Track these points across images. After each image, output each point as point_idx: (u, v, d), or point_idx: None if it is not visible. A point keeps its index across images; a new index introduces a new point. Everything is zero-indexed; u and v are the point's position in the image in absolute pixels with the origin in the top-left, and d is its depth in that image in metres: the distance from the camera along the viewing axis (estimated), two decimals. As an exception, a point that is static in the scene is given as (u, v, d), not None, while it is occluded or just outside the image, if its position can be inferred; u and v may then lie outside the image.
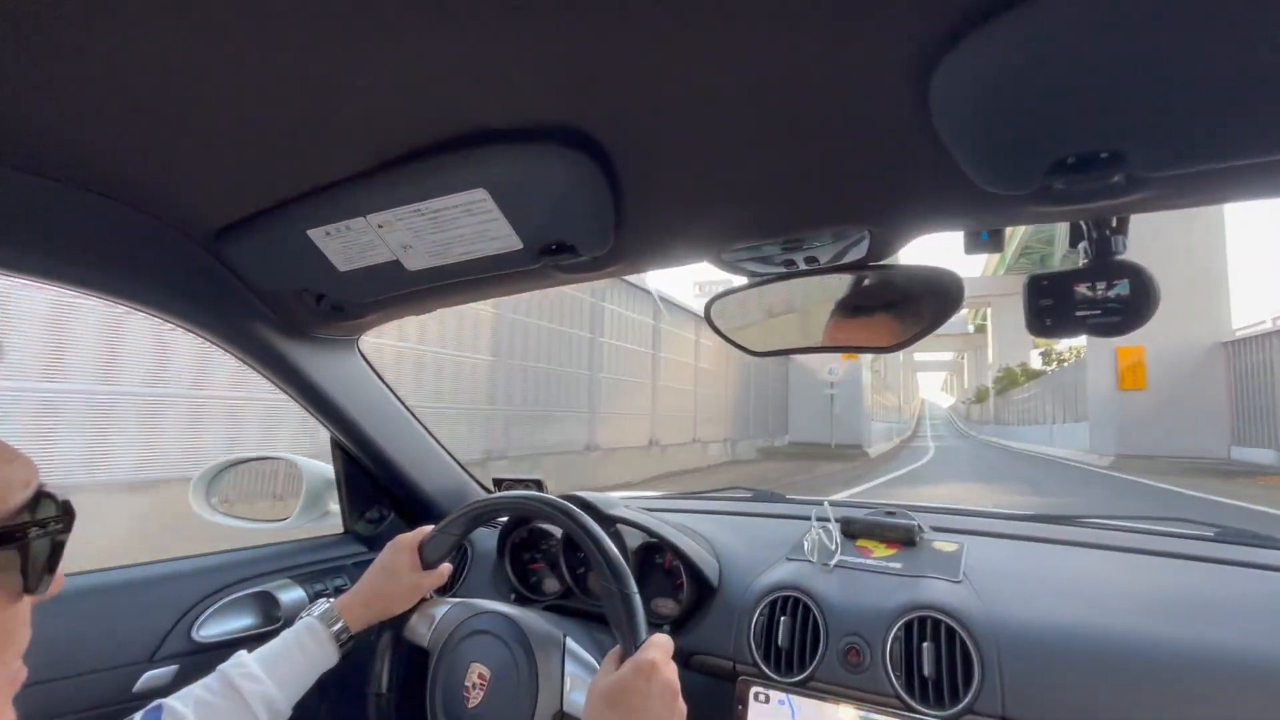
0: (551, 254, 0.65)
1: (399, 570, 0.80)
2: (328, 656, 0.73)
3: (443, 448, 1.19)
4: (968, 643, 0.72)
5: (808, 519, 0.97)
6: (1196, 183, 0.46)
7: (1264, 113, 0.37)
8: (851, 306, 0.68)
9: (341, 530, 1.15)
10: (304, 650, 0.71)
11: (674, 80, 0.45)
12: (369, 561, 1.07)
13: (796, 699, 0.78)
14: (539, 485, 1.15)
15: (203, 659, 0.86)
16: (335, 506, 1.16)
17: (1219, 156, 0.41)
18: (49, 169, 0.57)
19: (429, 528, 0.84)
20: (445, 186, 0.58)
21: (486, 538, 1.14)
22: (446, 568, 0.85)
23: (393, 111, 0.51)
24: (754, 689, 0.81)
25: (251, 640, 0.91)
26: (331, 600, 0.77)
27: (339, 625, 0.74)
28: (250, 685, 0.64)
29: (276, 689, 0.66)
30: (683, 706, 0.60)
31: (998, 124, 0.42)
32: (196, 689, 0.64)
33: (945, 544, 0.91)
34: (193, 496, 1.13)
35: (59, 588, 0.42)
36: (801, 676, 0.78)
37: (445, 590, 1.10)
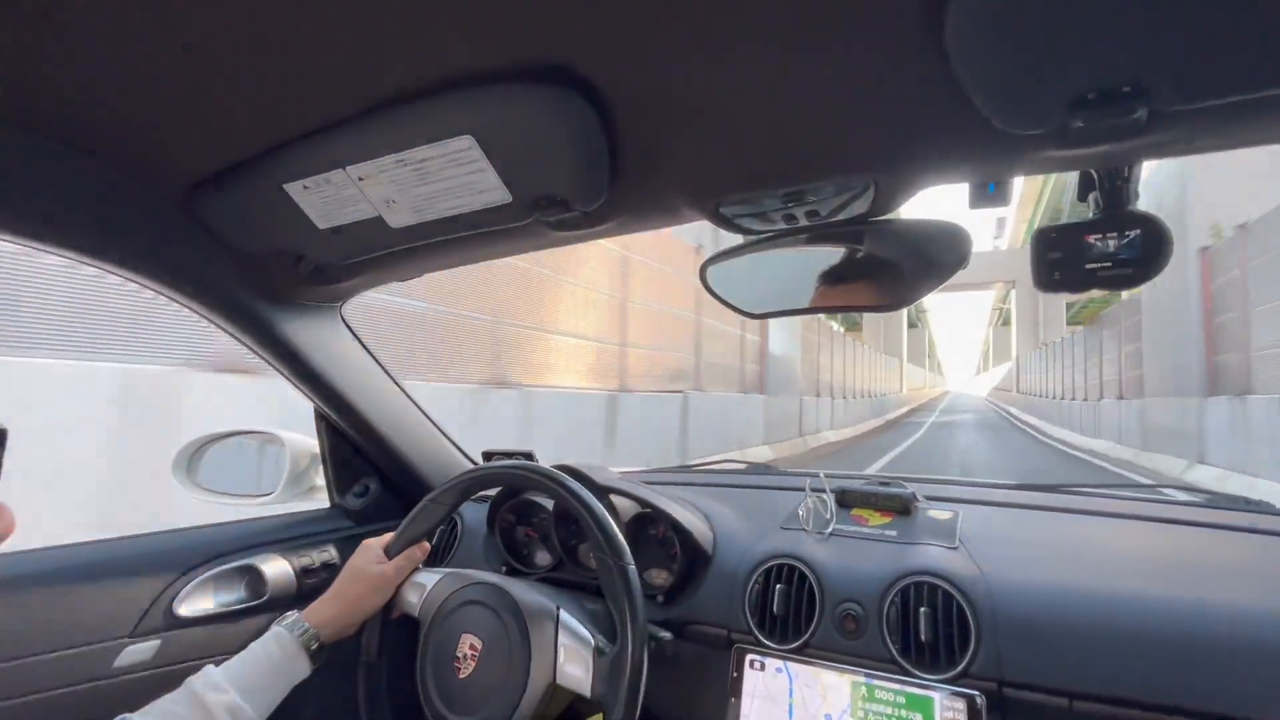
0: (542, 208, 0.63)
1: (363, 569, 0.80)
2: (297, 667, 0.72)
3: (430, 420, 1.17)
4: (964, 607, 0.72)
5: (802, 490, 0.96)
6: (1222, 120, 0.44)
7: None
8: (852, 265, 0.66)
9: (328, 505, 1.13)
10: (271, 660, 0.70)
11: (672, 15, 0.42)
12: (356, 536, 1.06)
13: (793, 665, 0.78)
14: (529, 457, 1.13)
15: (186, 633, 0.84)
16: (321, 480, 1.13)
17: (1248, 85, 0.39)
18: (7, 116, 0.53)
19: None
20: (429, 134, 0.55)
21: (477, 511, 1.13)
22: (420, 548, 0.84)
23: (371, 53, 0.48)
24: (750, 656, 0.80)
25: (236, 615, 0.89)
26: (299, 612, 0.76)
27: (307, 634, 0.73)
28: (216, 697, 0.63)
29: (243, 700, 0.65)
30: None
31: (1018, 54, 0.40)
32: (162, 703, 0.63)
33: (940, 512, 0.91)
34: (174, 471, 1.10)
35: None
36: (798, 643, 0.78)
37: (435, 564, 1.09)
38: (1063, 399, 19.11)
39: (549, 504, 1.02)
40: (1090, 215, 0.55)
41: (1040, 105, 0.43)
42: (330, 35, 0.46)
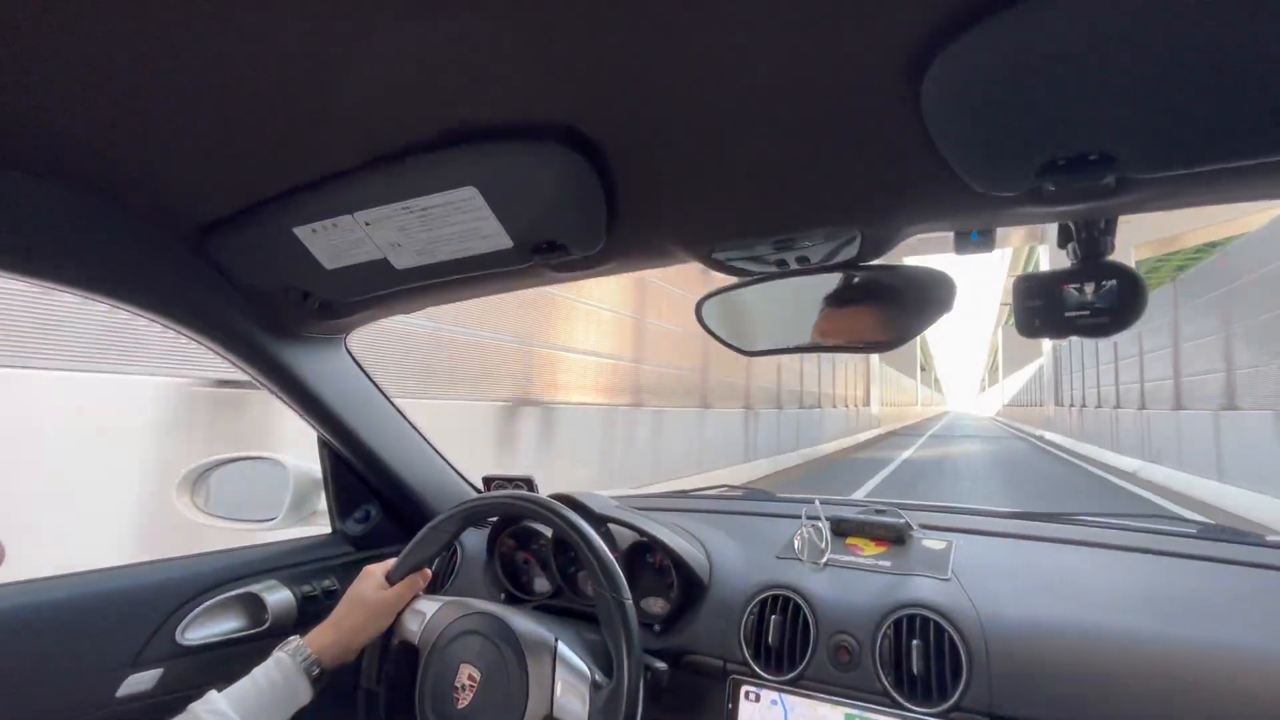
0: (542, 253, 0.65)
1: (364, 595, 0.81)
2: (298, 692, 0.73)
3: (432, 447, 1.18)
4: (956, 640, 0.73)
5: (798, 517, 0.97)
6: (1187, 185, 0.46)
7: (1253, 117, 0.38)
8: (842, 306, 0.68)
9: (329, 530, 1.14)
10: (274, 686, 0.71)
11: (667, 78, 0.44)
12: (356, 562, 1.07)
13: (788, 697, 0.79)
14: (529, 484, 1.14)
15: (188, 662, 0.85)
16: (323, 506, 1.15)
17: (1209, 159, 0.41)
18: (29, 163, 0.56)
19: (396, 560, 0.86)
20: (434, 184, 0.58)
21: (477, 537, 1.14)
22: (421, 575, 0.85)
23: (380, 107, 0.50)
24: (745, 687, 0.81)
25: (238, 643, 0.90)
26: (300, 638, 0.77)
27: (309, 660, 0.74)
28: None
29: None
30: None
31: (989, 124, 0.43)
32: None
33: (934, 542, 0.92)
34: (177, 496, 1.11)
35: None
36: (792, 675, 0.79)
37: (435, 589, 1.10)
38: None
39: (548, 531, 1.04)
40: (1069, 264, 0.57)
41: (1012, 170, 0.46)
42: (341, 88, 0.48)
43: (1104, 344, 13.63)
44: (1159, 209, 0.51)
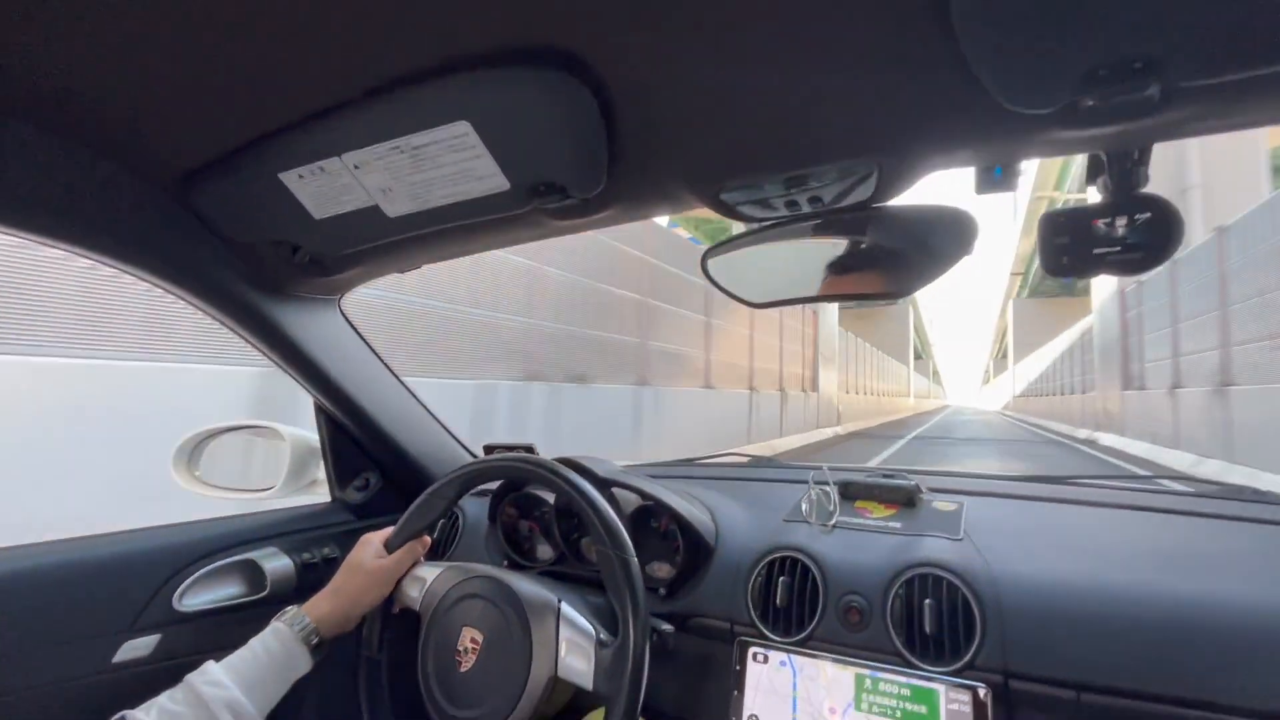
0: (540, 195, 0.62)
1: (363, 562, 0.80)
2: (297, 662, 0.71)
3: (430, 413, 1.16)
4: (969, 598, 0.71)
5: (805, 483, 0.95)
6: (1234, 97, 0.43)
7: None
8: (854, 253, 0.65)
9: (329, 499, 1.12)
10: (272, 656, 0.69)
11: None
12: (357, 530, 1.05)
13: (796, 658, 0.77)
14: (530, 450, 1.12)
15: (186, 628, 0.84)
16: (322, 474, 1.13)
17: (1265, 59, 0.38)
18: (5, 110, 0.53)
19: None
20: (425, 120, 0.54)
21: (478, 505, 1.12)
22: (421, 542, 0.84)
23: (364, 37, 0.47)
24: (753, 649, 0.79)
25: (236, 609, 0.89)
26: (299, 607, 0.75)
27: (308, 629, 0.73)
28: (215, 692, 0.63)
29: (243, 695, 0.64)
30: None
31: (1027, 30, 0.39)
32: (161, 699, 0.62)
33: (945, 504, 0.90)
34: (174, 466, 1.09)
35: None
36: (801, 636, 0.77)
37: (437, 557, 1.09)
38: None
39: (551, 498, 1.02)
40: (1100, 199, 0.54)
41: (1050, 83, 0.42)
42: (322, 19, 0.45)
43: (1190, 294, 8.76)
44: (1200, 132, 0.48)
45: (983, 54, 0.41)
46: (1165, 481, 1.05)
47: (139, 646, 0.80)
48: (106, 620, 0.78)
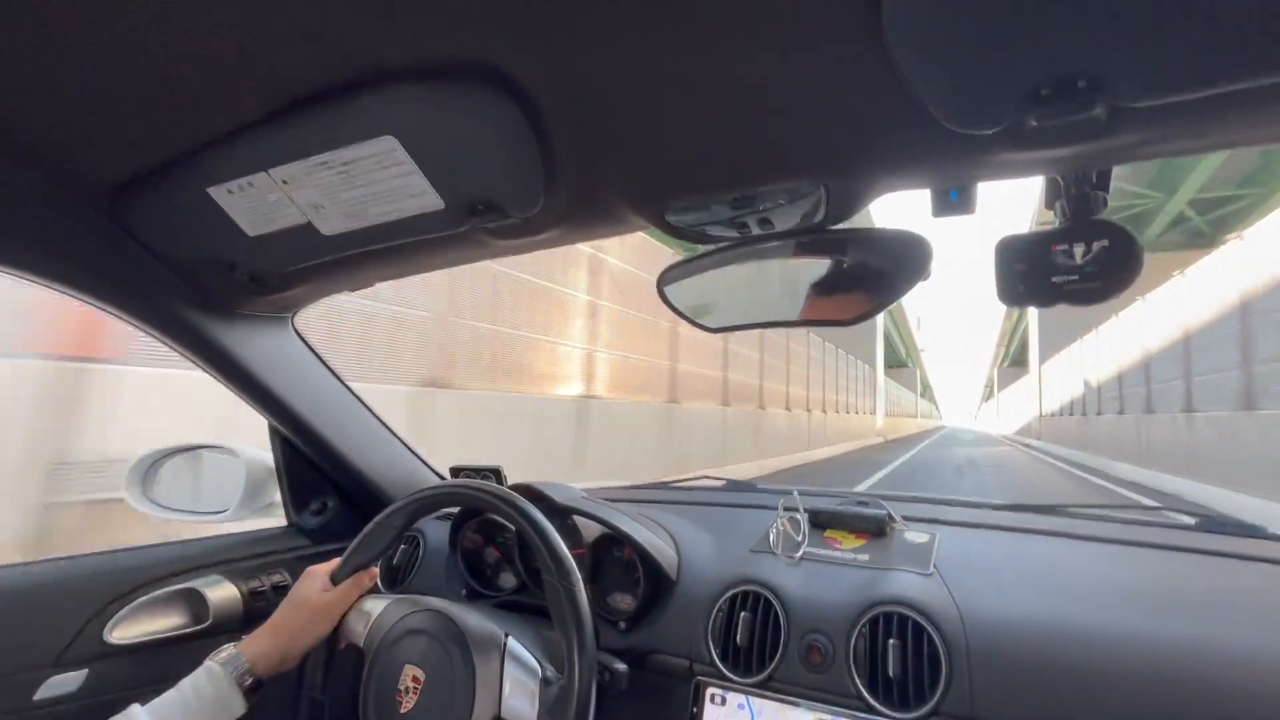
0: (478, 214, 0.59)
1: (306, 598, 0.76)
2: (230, 704, 0.67)
3: (393, 433, 1.13)
4: (935, 640, 0.67)
5: (776, 508, 0.92)
6: (1188, 118, 0.40)
7: (1271, 21, 0.32)
8: (809, 277, 0.62)
9: (284, 523, 1.09)
10: (202, 699, 0.65)
11: (600, 9, 0.39)
12: (312, 556, 1.01)
13: (756, 701, 0.73)
14: (497, 473, 1.09)
15: (118, 662, 0.80)
16: (279, 498, 1.09)
17: (1213, 80, 0.35)
18: None
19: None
20: (350, 135, 0.52)
21: (440, 531, 1.09)
22: (368, 574, 0.80)
23: (286, 47, 0.45)
24: (710, 690, 0.76)
25: (173, 642, 0.85)
26: (235, 645, 0.71)
27: (243, 668, 0.69)
28: None
29: None
30: None
31: (961, 49, 0.37)
32: None
33: (917, 534, 0.86)
34: (126, 488, 1.06)
35: None
36: (760, 677, 0.73)
37: (395, 585, 1.05)
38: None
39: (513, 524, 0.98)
40: (1057, 223, 0.51)
41: (990, 103, 0.40)
42: (244, 29, 0.43)
43: None
44: (1157, 154, 0.45)
45: (918, 74, 0.39)
46: (1167, 513, 0.98)
47: (65, 682, 0.75)
48: (29, 654, 0.74)
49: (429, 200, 0.58)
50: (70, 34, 0.43)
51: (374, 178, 0.56)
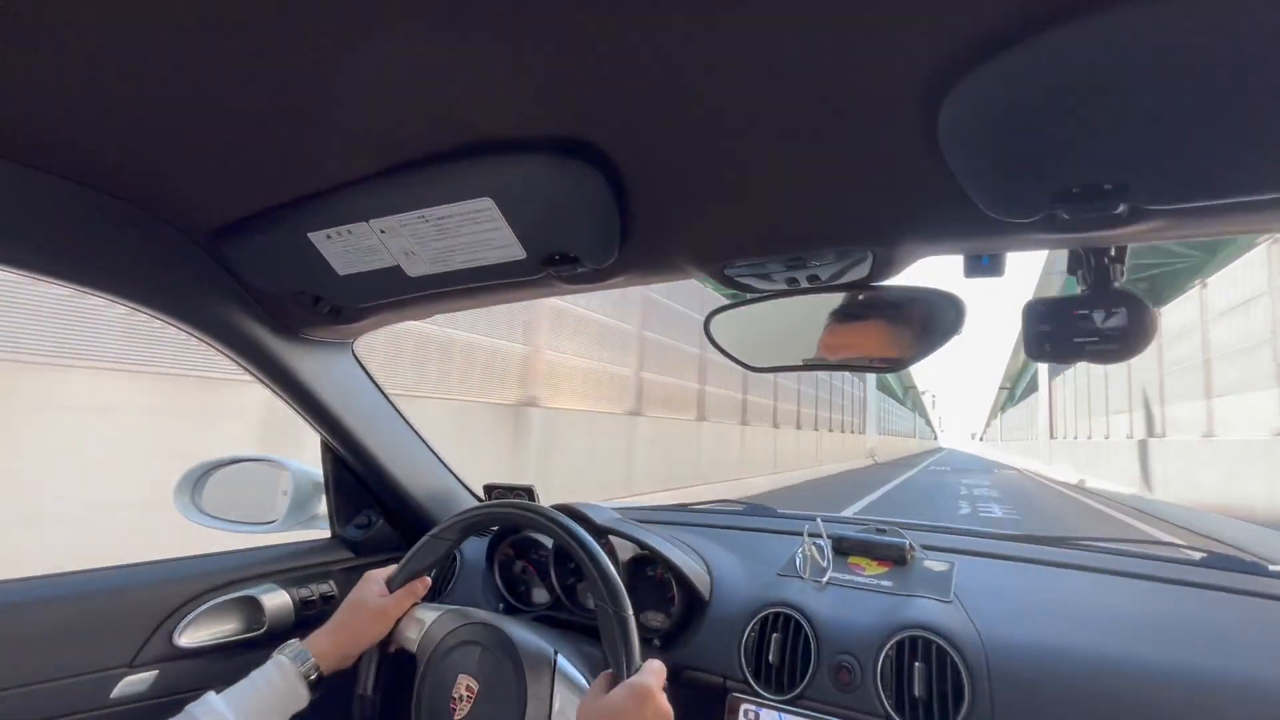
0: (555, 264, 0.65)
1: (365, 601, 0.80)
2: (296, 696, 0.72)
3: (435, 454, 1.18)
4: (958, 663, 0.72)
5: (799, 534, 0.97)
6: (1198, 216, 0.47)
7: (1263, 154, 0.38)
8: (851, 325, 0.68)
9: (329, 535, 1.13)
10: (272, 688, 0.70)
11: (680, 91, 0.44)
12: (356, 568, 1.06)
13: (787, 717, 0.78)
14: (530, 493, 1.14)
15: (184, 665, 0.85)
16: (324, 509, 1.14)
17: (1220, 193, 0.42)
18: (47, 163, 0.56)
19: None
20: (450, 194, 0.58)
21: (476, 545, 1.13)
22: (422, 582, 0.84)
23: (395, 117, 0.51)
24: (744, 706, 0.80)
25: (234, 647, 0.89)
26: (300, 642, 0.76)
27: (308, 664, 0.73)
28: None
29: None
30: None
31: (1005, 152, 0.43)
32: None
33: (936, 563, 0.91)
34: (176, 498, 1.11)
35: None
36: (792, 694, 0.78)
37: (433, 597, 1.09)
38: None
39: (548, 541, 1.03)
40: (1079, 290, 0.57)
41: (1027, 198, 0.46)
42: (358, 95, 0.48)
43: None
44: (1170, 239, 0.52)
45: (965, 169, 0.45)
46: (1165, 548, 1.01)
47: (138, 683, 0.80)
48: (106, 656, 0.79)
49: (512, 251, 0.64)
50: (190, 92, 0.47)
51: (464, 230, 0.62)
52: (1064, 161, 0.43)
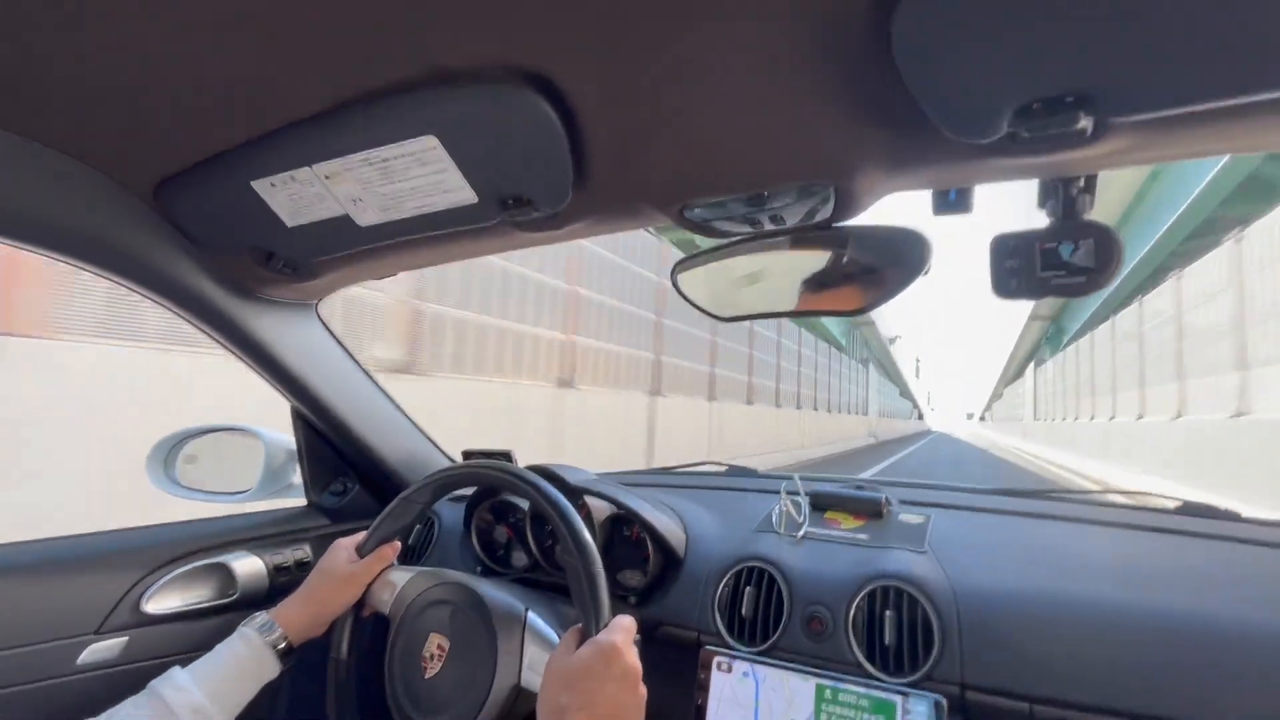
0: (508, 209, 0.63)
1: (334, 567, 0.80)
2: (265, 667, 0.71)
3: (408, 418, 1.17)
4: (928, 611, 0.72)
5: (778, 492, 0.96)
6: (1167, 130, 0.45)
7: (1237, 48, 0.36)
8: (817, 270, 0.66)
9: (305, 503, 1.12)
10: (239, 661, 0.69)
11: (631, 19, 0.42)
12: (332, 534, 1.05)
13: (760, 669, 0.78)
14: (508, 457, 1.13)
15: (153, 631, 0.84)
16: (298, 478, 1.13)
17: (1190, 97, 0.39)
18: None
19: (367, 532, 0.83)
20: (394, 133, 0.56)
21: (454, 510, 1.13)
22: (391, 547, 0.84)
23: (336, 51, 0.48)
24: (717, 658, 0.80)
25: (205, 613, 0.89)
26: (267, 612, 0.75)
27: (276, 634, 0.73)
28: (180, 697, 0.63)
29: (207, 700, 0.64)
30: (643, 691, 0.59)
31: (960, 64, 0.41)
32: (124, 706, 0.62)
33: (912, 516, 0.91)
34: (148, 469, 1.09)
35: None
36: (764, 646, 0.78)
37: (412, 562, 1.09)
38: None
39: (525, 505, 1.02)
40: (1048, 223, 0.55)
41: (986, 115, 0.44)
42: (295, 32, 0.46)
43: None
44: (1139, 161, 0.49)
45: (922, 87, 0.43)
46: (1141, 498, 1.03)
47: (105, 650, 0.79)
48: (72, 622, 0.78)
49: (463, 195, 0.61)
50: (123, 33, 0.45)
51: (412, 173, 0.59)
52: (1020, 72, 0.40)
